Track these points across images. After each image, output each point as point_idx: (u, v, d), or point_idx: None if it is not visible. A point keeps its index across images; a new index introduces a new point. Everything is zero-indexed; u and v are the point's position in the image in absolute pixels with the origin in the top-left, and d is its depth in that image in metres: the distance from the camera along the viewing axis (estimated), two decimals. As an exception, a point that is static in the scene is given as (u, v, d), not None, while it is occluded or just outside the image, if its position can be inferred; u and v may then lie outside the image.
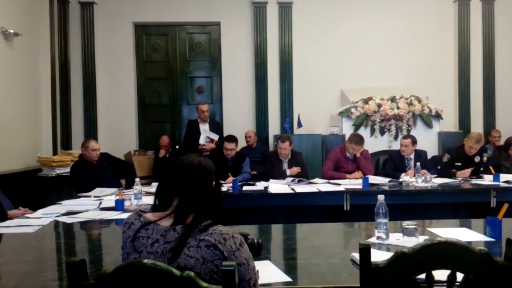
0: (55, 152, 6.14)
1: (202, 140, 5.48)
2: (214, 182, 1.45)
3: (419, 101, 6.17)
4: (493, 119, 6.94)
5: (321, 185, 4.28)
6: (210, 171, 1.44)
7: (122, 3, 6.72)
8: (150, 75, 6.96)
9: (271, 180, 4.61)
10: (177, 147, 6.48)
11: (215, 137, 5.50)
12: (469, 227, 2.43)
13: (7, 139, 5.07)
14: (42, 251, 2.24)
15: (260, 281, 1.45)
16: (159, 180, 1.48)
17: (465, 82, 6.93)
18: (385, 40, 6.85)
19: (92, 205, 3.32)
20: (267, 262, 1.81)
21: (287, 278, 1.62)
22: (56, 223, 2.80)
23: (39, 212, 3.15)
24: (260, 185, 4.35)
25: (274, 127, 6.75)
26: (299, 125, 6.30)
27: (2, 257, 2.16)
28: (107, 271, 1.09)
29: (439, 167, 4.88)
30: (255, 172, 5.10)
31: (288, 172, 4.79)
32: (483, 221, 2.38)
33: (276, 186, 4.26)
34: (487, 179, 4.42)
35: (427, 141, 5.99)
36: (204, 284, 1.06)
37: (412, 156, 4.90)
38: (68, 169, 5.06)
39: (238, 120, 6.71)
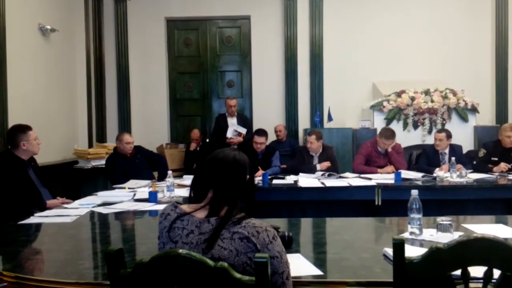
0: (90, 145, 6.33)
1: (229, 134, 5.52)
2: (248, 176, 1.47)
3: (454, 94, 6.01)
4: (531, 112, 6.68)
5: (351, 180, 4.24)
6: (244, 165, 1.45)
7: (154, -2, 6.82)
8: (181, 69, 7.05)
9: (301, 174, 4.60)
10: (207, 140, 6.55)
11: (243, 130, 5.53)
12: (505, 223, 2.36)
13: (45, 132, 5.24)
14: (79, 240, 2.32)
15: (291, 274, 1.46)
16: (195, 173, 1.51)
17: (503, 75, 6.68)
18: (418, 31, 6.68)
19: (126, 197, 3.41)
20: (298, 255, 1.81)
21: (318, 271, 1.62)
22: (92, 214, 2.88)
23: (76, 203, 3.25)
24: (289, 179, 4.35)
25: (304, 121, 6.72)
26: (330, 118, 6.25)
27: (42, 245, 2.25)
28: (144, 260, 1.12)
29: (475, 162, 4.75)
30: (284, 166, 5.10)
31: (318, 166, 4.77)
32: (521, 217, 2.32)
33: (306, 180, 4.25)
34: (526, 175, 4.28)
35: (463, 135, 5.84)
36: (237, 275, 1.08)
37: (446, 151, 4.79)
38: (103, 162, 5.21)
39: (268, 114, 6.71)
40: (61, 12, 5.90)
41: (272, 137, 5.98)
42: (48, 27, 5.38)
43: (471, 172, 4.43)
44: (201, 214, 1.37)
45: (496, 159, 4.60)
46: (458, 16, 6.72)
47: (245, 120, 5.93)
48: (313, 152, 4.88)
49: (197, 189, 1.46)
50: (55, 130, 5.58)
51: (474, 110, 6.05)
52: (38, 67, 5.28)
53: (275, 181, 4.26)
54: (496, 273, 1.20)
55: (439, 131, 4.88)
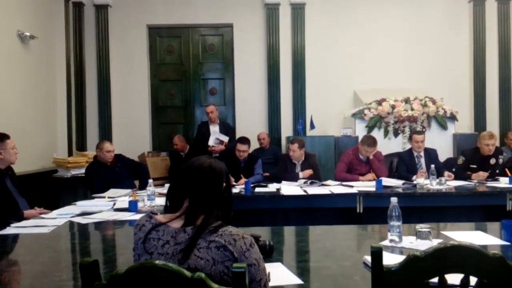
0: (70, 154, 6.22)
1: (211, 142, 5.47)
2: (224, 184, 1.45)
3: (434, 102, 6.11)
4: (509, 120, 6.83)
5: (333, 187, 4.26)
6: (220, 173, 1.43)
7: (137, 5, 6.78)
8: (163, 77, 7.02)
9: (283, 182, 4.60)
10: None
11: (225, 138, 5.50)
12: (484, 230, 2.39)
13: (23, 140, 5.15)
14: (56, 251, 2.27)
15: (272, 283, 1.45)
16: (170, 182, 1.49)
17: (481, 83, 6.83)
18: (398, 40, 6.80)
19: (106, 206, 3.36)
20: (278, 264, 1.80)
21: (299, 281, 1.62)
22: (71, 224, 2.83)
23: (54, 213, 3.19)
24: (272, 187, 4.35)
25: (286, 129, 6.74)
26: (312, 126, 6.28)
27: (18, 257, 2.20)
28: (119, 272, 1.10)
29: (454, 170, 4.82)
30: (267, 174, 5.10)
31: (300, 174, 4.78)
32: (499, 224, 2.35)
33: (288, 188, 4.25)
34: (503, 182, 4.36)
35: (442, 143, 5.93)
36: (215, 285, 1.06)
37: (422, 154, 4.87)
38: (83, 170, 5.12)
39: (251, 122, 6.72)
40: (41, 19, 5.81)
41: (255, 145, 5.98)
42: (28, 33, 5.30)
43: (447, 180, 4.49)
44: (176, 224, 1.35)
45: (475, 166, 4.68)
46: (437, 26, 6.86)
47: (227, 128, 5.90)
48: (295, 160, 4.89)
49: (173, 198, 1.43)
50: (34, 138, 5.48)
51: (453, 118, 6.15)
52: (16, 74, 5.19)
53: (257, 189, 4.25)
54: (473, 280, 1.21)
55: (419, 133, 4.92)
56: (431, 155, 4.85)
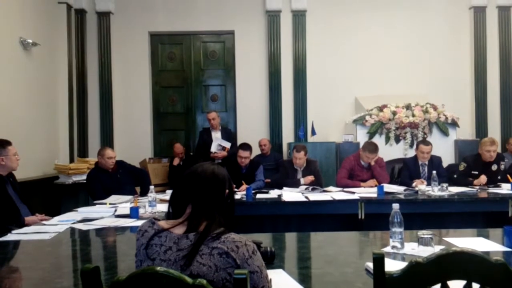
0: (71, 160, 6.23)
1: (213, 148, 5.47)
2: (227, 190, 1.45)
3: (435, 108, 6.11)
4: (510, 126, 6.82)
5: (335, 194, 4.25)
6: (223, 179, 1.44)
7: (138, 12, 6.82)
8: (165, 83, 7.04)
9: (284, 188, 4.60)
10: (191, 153, 6.51)
11: (227, 145, 5.50)
12: (486, 236, 2.38)
13: (25, 147, 5.15)
14: (58, 257, 2.26)
15: (273, 290, 1.45)
16: (173, 188, 1.49)
17: (482, 89, 6.84)
18: (400, 47, 6.81)
19: (107, 212, 3.36)
20: (280, 271, 1.80)
21: (301, 287, 1.61)
22: (72, 230, 2.83)
23: (56, 219, 3.19)
24: (273, 193, 4.34)
25: (288, 135, 6.75)
26: (313, 133, 6.28)
27: (19, 263, 2.19)
28: (120, 278, 1.10)
29: (455, 176, 4.81)
30: (269, 180, 5.10)
31: (302, 180, 4.77)
32: (501, 230, 2.34)
33: (290, 194, 4.24)
34: (505, 188, 4.35)
35: (443, 149, 5.92)
36: (216, 292, 1.06)
37: (426, 162, 4.86)
38: (84, 177, 5.13)
39: (252, 128, 6.73)
40: (43, 26, 5.84)
41: (256, 151, 5.98)
42: (30, 40, 5.32)
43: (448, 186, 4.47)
44: (179, 230, 1.35)
45: (476, 172, 4.67)
46: (438, 33, 6.88)
47: (229, 134, 5.90)
48: (297, 166, 4.89)
49: (176, 204, 1.43)
50: (35, 144, 5.48)
51: (454, 124, 6.15)
52: (18, 81, 5.20)
53: (259, 195, 4.25)
54: (475, 286, 1.20)
55: (426, 144, 4.88)
56: (434, 163, 4.84)
